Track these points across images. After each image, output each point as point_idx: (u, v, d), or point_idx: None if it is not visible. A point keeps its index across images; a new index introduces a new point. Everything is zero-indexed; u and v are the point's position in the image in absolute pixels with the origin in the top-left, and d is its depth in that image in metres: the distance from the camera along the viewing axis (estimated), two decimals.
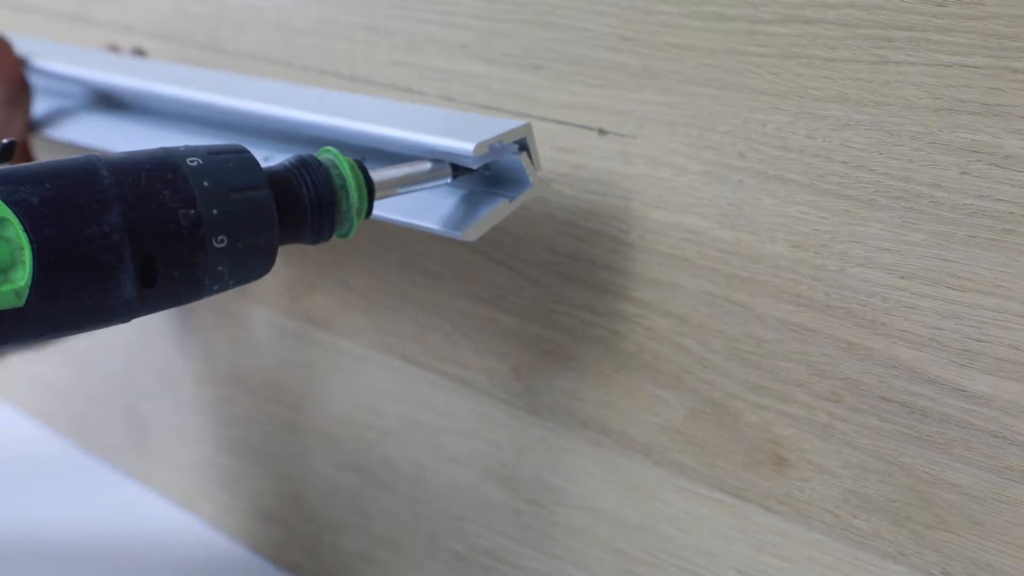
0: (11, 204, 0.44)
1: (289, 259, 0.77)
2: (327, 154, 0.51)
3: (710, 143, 0.54)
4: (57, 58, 0.72)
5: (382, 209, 0.54)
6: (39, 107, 0.74)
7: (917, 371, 0.50)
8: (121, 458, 0.94)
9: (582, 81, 0.58)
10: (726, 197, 0.54)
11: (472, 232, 0.53)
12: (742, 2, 0.52)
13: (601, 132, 0.58)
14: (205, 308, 0.84)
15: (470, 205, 0.55)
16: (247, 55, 0.75)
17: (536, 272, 0.63)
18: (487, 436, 0.67)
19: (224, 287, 0.48)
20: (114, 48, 0.80)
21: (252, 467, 0.83)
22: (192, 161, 0.47)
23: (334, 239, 0.52)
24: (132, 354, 0.90)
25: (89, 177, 0.45)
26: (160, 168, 0.47)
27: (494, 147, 0.52)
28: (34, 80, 0.73)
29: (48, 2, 0.90)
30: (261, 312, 0.80)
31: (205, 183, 0.47)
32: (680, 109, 0.55)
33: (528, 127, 0.53)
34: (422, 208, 0.56)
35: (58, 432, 1.00)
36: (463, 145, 0.52)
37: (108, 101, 0.74)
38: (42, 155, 0.69)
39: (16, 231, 0.43)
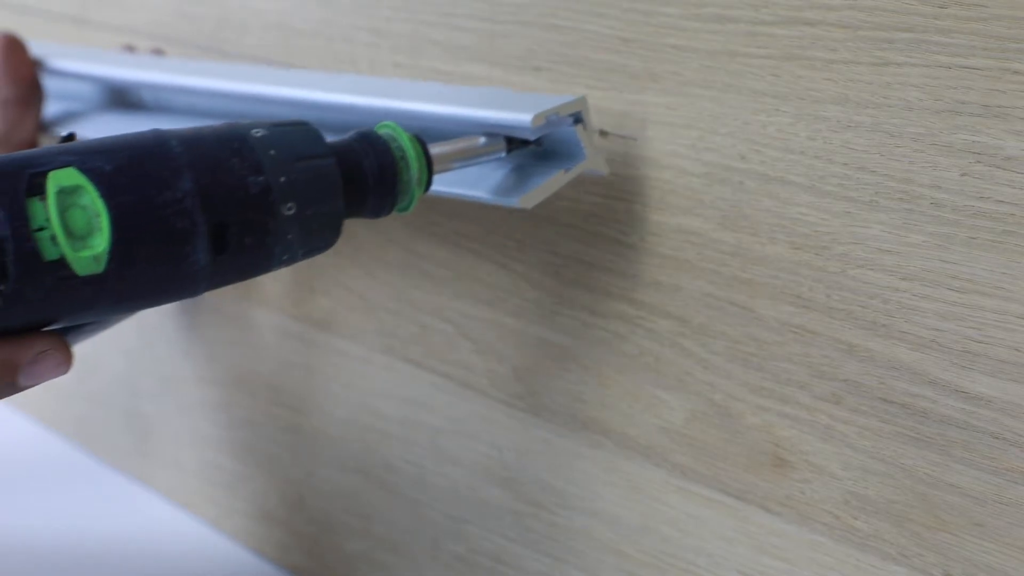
0: (86, 172, 0.44)
1: None
2: (386, 128, 0.52)
3: (711, 145, 0.54)
4: (75, 57, 0.73)
5: (434, 183, 0.55)
6: (51, 109, 0.74)
7: (918, 373, 0.50)
8: (123, 460, 0.94)
9: (583, 83, 0.58)
10: (727, 199, 0.54)
11: (528, 199, 0.54)
12: (743, 4, 0.52)
13: (602, 134, 0.58)
14: (207, 310, 0.84)
15: (522, 176, 0.56)
16: (249, 57, 0.75)
17: (537, 274, 0.63)
18: (488, 438, 0.67)
19: (293, 258, 0.49)
20: (131, 48, 0.80)
21: (254, 469, 0.83)
22: (257, 132, 0.48)
23: (394, 215, 0.53)
24: (134, 356, 0.90)
25: (160, 147, 0.46)
26: (227, 138, 0.48)
27: (551, 119, 0.53)
28: (47, 82, 0.73)
29: (49, 4, 0.90)
30: (263, 315, 0.80)
31: (271, 152, 0.48)
32: (681, 111, 0.55)
33: (584, 100, 0.54)
34: (472, 180, 0.56)
35: (60, 434, 1.00)
36: (521, 117, 0.53)
37: (123, 102, 0.74)
38: None
39: (92, 198, 0.44)
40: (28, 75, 0.71)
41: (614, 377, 0.60)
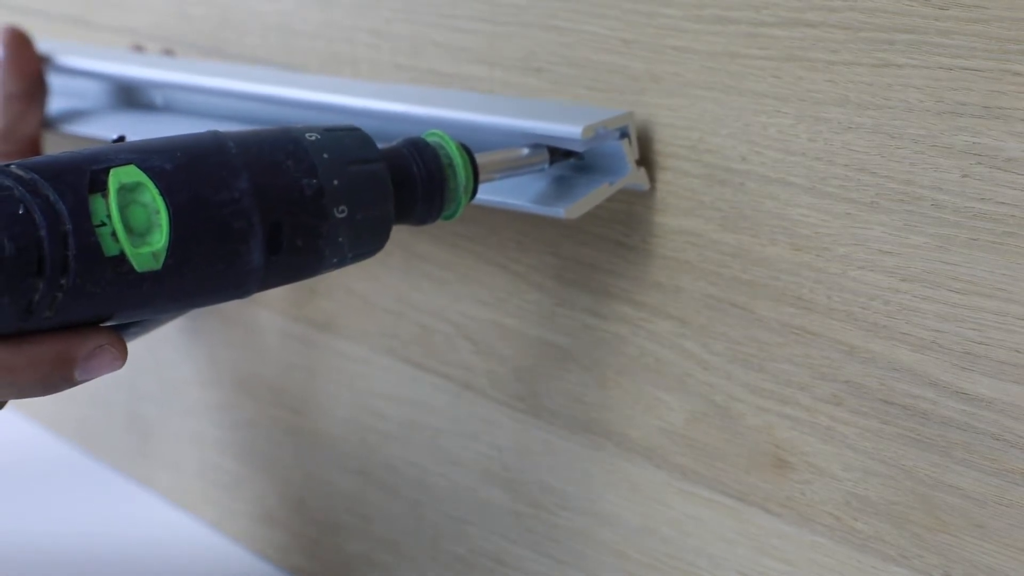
0: (146, 170, 0.45)
1: None
2: (434, 136, 0.53)
3: (712, 146, 0.54)
4: (82, 55, 0.73)
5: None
6: (54, 106, 0.74)
7: (919, 374, 0.50)
8: (124, 461, 0.94)
9: (584, 84, 0.58)
10: (728, 200, 0.54)
11: (574, 210, 0.55)
12: (744, 5, 0.52)
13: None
14: (209, 313, 0.84)
15: (564, 188, 0.56)
16: (249, 58, 0.75)
17: (538, 276, 0.63)
18: (489, 439, 0.67)
19: (342, 261, 0.50)
20: (140, 49, 0.80)
21: (255, 470, 0.83)
22: (311, 136, 0.49)
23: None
24: (135, 358, 0.90)
25: (217, 147, 0.47)
26: (281, 141, 0.48)
27: (599, 132, 0.54)
28: (52, 79, 0.73)
29: (49, 5, 0.90)
30: (264, 316, 0.80)
31: (325, 155, 0.49)
32: (682, 112, 0.55)
33: (631, 115, 0.55)
34: (513, 189, 0.57)
35: (61, 436, 1.00)
36: (571, 128, 0.53)
37: (131, 101, 0.74)
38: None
39: (152, 195, 0.45)
40: (34, 70, 0.71)
41: (615, 378, 0.60)
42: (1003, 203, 0.46)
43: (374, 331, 0.72)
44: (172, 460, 0.90)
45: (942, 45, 0.47)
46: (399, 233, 0.69)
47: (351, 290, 0.73)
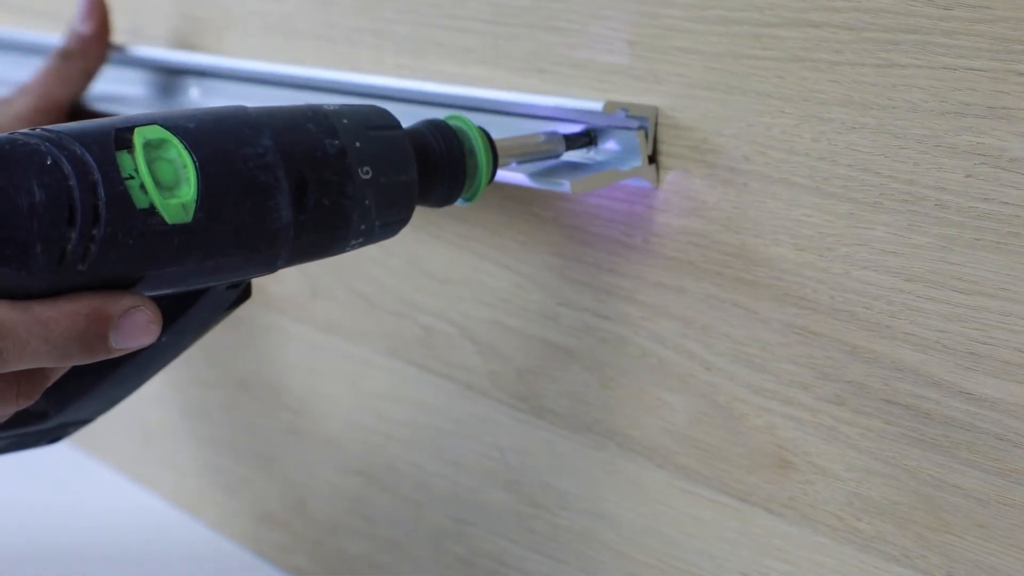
0: (170, 128, 0.46)
1: None
2: (455, 120, 0.54)
3: (715, 146, 0.54)
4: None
5: None
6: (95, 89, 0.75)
7: (922, 374, 0.50)
8: (124, 462, 0.94)
9: (587, 85, 0.58)
10: (731, 200, 0.54)
11: (579, 185, 0.55)
12: (747, 6, 0.52)
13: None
14: None
15: (574, 170, 0.57)
16: (251, 59, 0.75)
17: (541, 276, 0.63)
18: (491, 440, 0.67)
19: (370, 230, 0.51)
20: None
21: (256, 471, 0.83)
22: (329, 106, 0.51)
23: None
24: None
25: (239, 110, 0.49)
26: (301, 109, 0.50)
27: (618, 113, 0.55)
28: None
29: (50, 5, 0.90)
30: (266, 317, 0.80)
31: (344, 121, 0.50)
32: (685, 113, 0.55)
33: (655, 110, 0.56)
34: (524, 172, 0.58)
35: None
36: (592, 104, 0.54)
37: (168, 92, 0.75)
38: None
39: (178, 151, 0.46)
40: (105, 20, 0.73)
41: (617, 379, 0.60)
42: (1007, 203, 0.46)
43: (376, 332, 0.72)
44: (172, 460, 0.90)
45: (946, 45, 0.47)
46: (400, 233, 0.69)
47: (353, 290, 0.73)
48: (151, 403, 0.90)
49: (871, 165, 0.50)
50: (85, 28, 0.73)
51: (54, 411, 0.54)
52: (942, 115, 0.47)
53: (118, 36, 0.77)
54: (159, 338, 0.49)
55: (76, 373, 0.51)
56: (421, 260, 0.69)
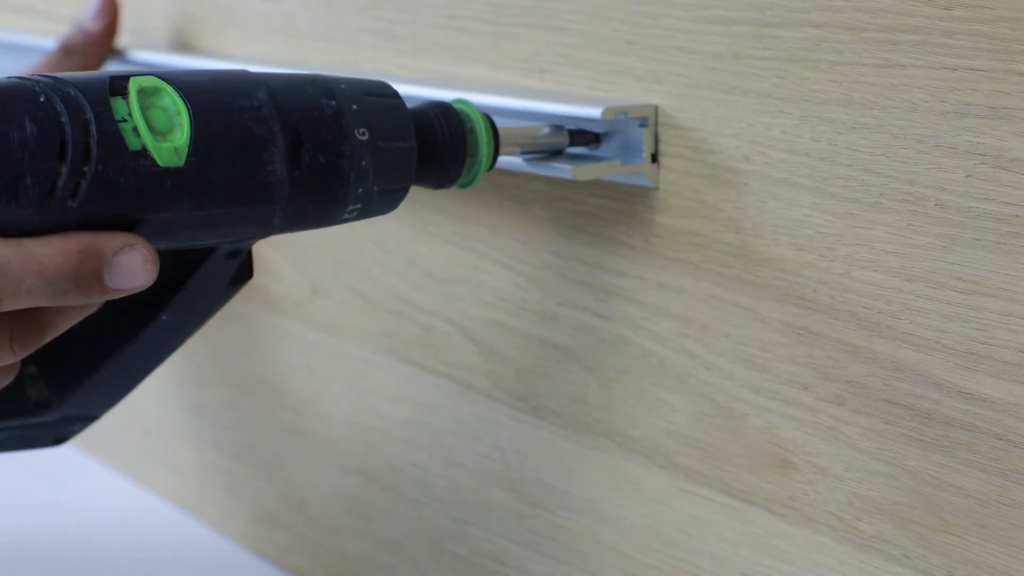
0: (165, 79, 0.47)
1: (295, 262, 0.77)
2: (460, 104, 0.54)
3: (715, 146, 0.54)
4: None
5: None
6: None
7: (922, 374, 0.50)
8: (124, 462, 0.94)
9: (588, 85, 0.58)
10: (731, 200, 0.54)
11: (581, 172, 0.55)
12: (748, 6, 0.52)
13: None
14: None
15: (578, 161, 0.57)
16: (252, 60, 0.75)
17: (541, 275, 0.63)
18: (491, 439, 0.67)
19: (368, 195, 0.51)
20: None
21: (255, 471, 0.83)
22: (329, 75, 0.51)
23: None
24: None
25: (239, 70, 0.49)
26: (300, 74, 0.51)
27: (619, 117, 0.55)
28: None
29: (51, 6, 0.90)
30: (265, 316, 0.80)
31: (342, 85, 0.50)
32: (685, 113, 0.55)
33: (655, 108, 0.56)
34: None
35: None
36: (590, 111, 0.54)
37: None
38: None
39: (172, 99, 0.47)
40: (114, 19, 0.73)
41: (617, 379, 0.60)
42: (1007, 203, 0.46)
43: (376, 331, 0.72)
44: (172, 460, 0.90)
45: (946, 45, 0.47)
46: (401, 231, 0.69)
47: (353, 290, 0.73)
48: (151, 402, 0.90)
49: (871, 165, 0.50)
50: (94, 26, 0.73)
51: (56, 399, 0.54)
52: (942, 115, 0.47)
53: (118, 36, 0.77)
54: (160, 315, 0.49)
55: (76, 352, 0.51)
56: (421, 259, 0.69)
